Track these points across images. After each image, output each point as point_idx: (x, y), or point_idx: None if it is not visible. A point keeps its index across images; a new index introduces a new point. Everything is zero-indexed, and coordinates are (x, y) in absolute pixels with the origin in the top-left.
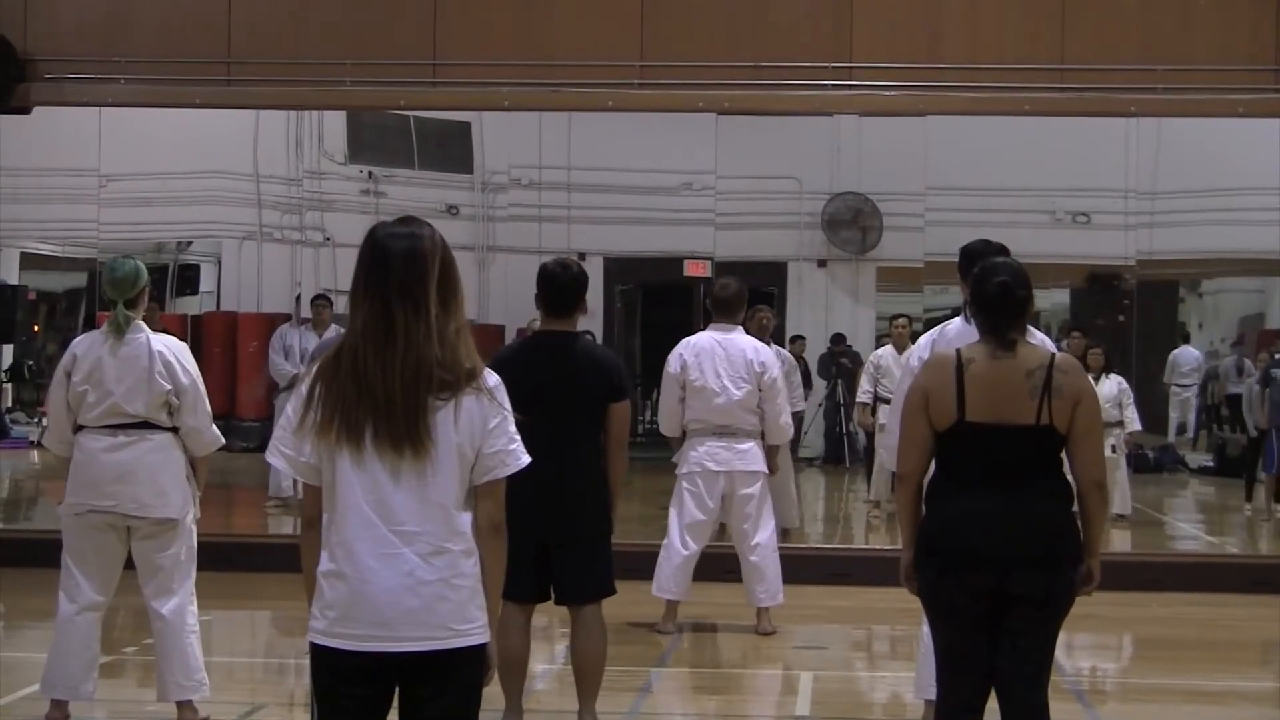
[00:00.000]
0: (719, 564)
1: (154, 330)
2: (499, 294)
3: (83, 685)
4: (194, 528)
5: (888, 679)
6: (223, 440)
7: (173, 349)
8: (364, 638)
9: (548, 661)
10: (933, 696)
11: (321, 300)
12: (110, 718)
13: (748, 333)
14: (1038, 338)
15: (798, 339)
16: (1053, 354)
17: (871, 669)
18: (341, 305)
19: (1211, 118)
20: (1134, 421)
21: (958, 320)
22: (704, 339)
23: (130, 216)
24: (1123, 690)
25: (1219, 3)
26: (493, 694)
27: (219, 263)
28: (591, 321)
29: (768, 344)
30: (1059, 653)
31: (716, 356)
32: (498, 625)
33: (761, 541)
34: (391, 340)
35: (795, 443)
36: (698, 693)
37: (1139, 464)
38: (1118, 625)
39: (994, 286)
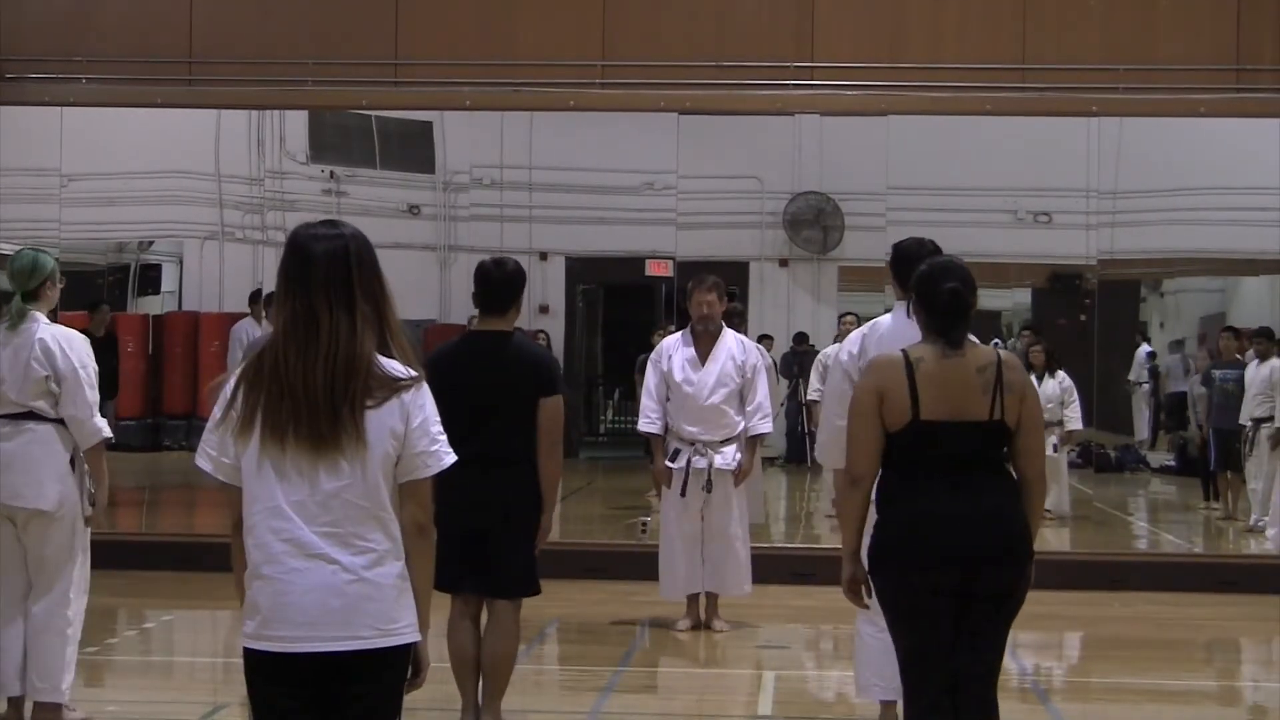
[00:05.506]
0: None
1: (101, 332)
2: (461, 294)
3: (12, 683)
4: (81, 527)
5: (850, 678)
6: (108, 432)
7: (59, 337)
8: (289, 639)
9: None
10: (875, 696)
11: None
12: None
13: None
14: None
15: (765, 338)
16: (998, 352)
17: (834, 668)
18: None
19: (1173, 117)
20: (1074, 421)
21: (888, 317)
22: None
23: (92, 216)
24: (1084, 689)
25: (1180, 3)
26: (450, 694)
27: (180, 262)
28: (553, 321)
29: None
30: (1021, 652)
31: None
32: (449, 626)
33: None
34: (314, 339)
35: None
36: (660, 692)
37: (1100, 463)
38: (1079, 624)
39: (946, 293)
